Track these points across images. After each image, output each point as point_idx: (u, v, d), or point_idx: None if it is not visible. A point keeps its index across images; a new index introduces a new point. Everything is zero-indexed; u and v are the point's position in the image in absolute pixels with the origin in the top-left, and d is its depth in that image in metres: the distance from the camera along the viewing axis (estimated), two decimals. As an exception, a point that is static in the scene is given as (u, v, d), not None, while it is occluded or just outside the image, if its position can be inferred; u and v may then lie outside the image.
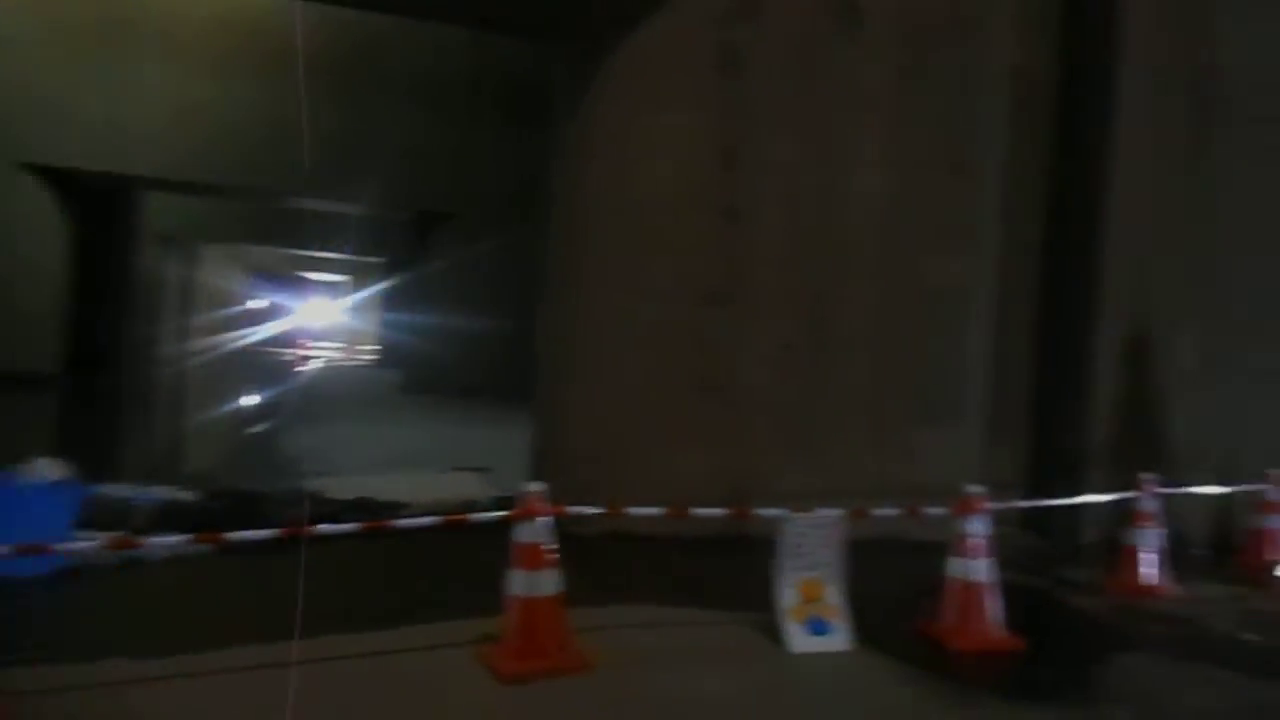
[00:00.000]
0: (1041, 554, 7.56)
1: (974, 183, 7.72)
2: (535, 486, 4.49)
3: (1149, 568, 6.45)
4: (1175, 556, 7.53)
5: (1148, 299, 8.08)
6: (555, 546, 4.44)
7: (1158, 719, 4.27)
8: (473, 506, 6.87)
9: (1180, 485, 7.48)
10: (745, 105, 7.17)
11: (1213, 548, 7.99)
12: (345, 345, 30.33)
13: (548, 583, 4.40)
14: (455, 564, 5.88)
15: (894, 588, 5.78)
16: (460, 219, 15.32)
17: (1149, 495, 6.55)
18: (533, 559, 4.37)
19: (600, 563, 6.07)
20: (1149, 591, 6.38)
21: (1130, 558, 6.51)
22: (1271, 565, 7.48)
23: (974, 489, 5.22)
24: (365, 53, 13.63)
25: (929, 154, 7.55)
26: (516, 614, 4.37)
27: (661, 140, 7.13)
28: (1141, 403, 8.04)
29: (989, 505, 5.21)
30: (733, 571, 5.70)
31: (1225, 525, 8.05)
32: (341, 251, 21.58)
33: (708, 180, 7.17)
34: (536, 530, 4.39)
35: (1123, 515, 6.77)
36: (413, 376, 16.78)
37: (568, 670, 4.32)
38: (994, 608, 5.09)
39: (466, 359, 14.19)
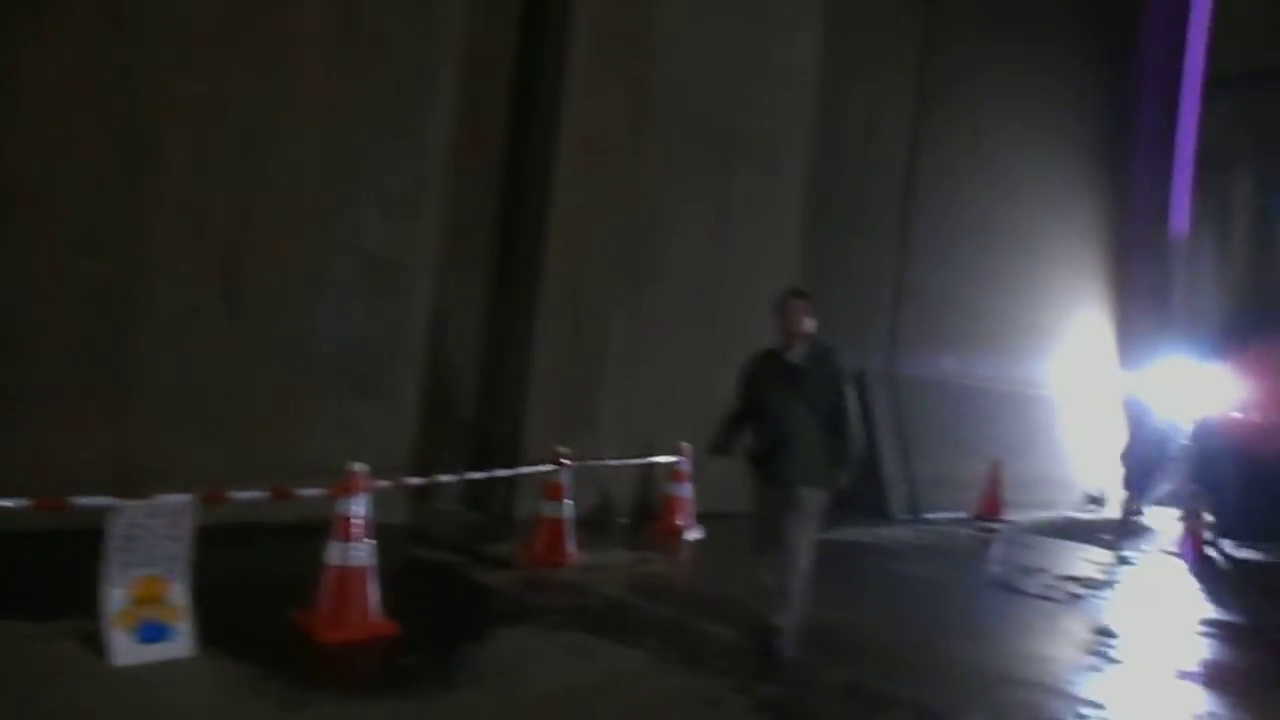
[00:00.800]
0: (476, 530, 7.55)
1: (419, 149, 7.41)
2: None
3: (558, 539, 6.64)
4: (600, 526, 7.96)
5: (587, 284, 8.43)
6: None
7: (508, 700, 4.17)
8: None
9: (609, 459, 7.91)
10: (149, 24, 6.13)
11: (635, 516, 8.60)
12: None
13: None
14: None
15: (280, 577, 5.27)
16: None
17: (561, 468, 6.74)
18: None
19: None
20: (556, 562, 6.55)
21: (544, 530, 6.65)
22: (680, 530, 8.19)
23: (357, 467, 4.84)
24: None
25: (372, 114, 7.11)
26: None
27: (38, 53, 5.82)
28: (577, 381, 8.38)
29: (372, 484, 4.87)
30: (78, 571, 4.76)
31: (647, 495, 8.70)
32: None
33: (96, 109, 6.02)
34: None
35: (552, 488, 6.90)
36: None
37: None
38: (372, 594, 4.76)
39: None
